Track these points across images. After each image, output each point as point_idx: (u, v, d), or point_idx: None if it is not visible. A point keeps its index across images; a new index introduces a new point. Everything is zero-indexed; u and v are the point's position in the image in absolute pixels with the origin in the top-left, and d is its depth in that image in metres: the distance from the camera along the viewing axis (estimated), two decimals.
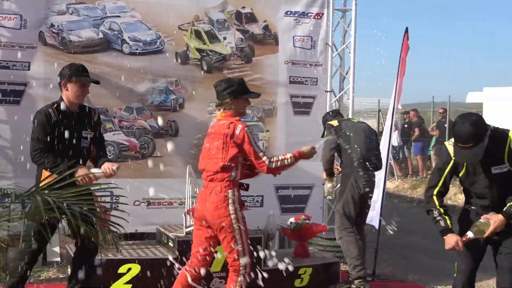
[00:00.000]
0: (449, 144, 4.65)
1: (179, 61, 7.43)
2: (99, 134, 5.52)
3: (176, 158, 7.31)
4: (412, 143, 18.66)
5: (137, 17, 7.30)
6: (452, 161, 4.60)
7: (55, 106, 5.21)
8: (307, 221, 6.96)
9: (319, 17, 8.14)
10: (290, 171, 7.67)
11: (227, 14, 7.72)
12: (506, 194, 4.55)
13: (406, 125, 19.05)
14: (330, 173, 6.74)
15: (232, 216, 5.02)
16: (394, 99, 7.96)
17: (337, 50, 8.51)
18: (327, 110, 8.13)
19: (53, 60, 6.85)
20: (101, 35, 7.14)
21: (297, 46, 8.01)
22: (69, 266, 6.48)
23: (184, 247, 6.14)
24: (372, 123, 21.67)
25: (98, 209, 4.81)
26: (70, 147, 5.18)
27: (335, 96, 8.50)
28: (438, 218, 4.64)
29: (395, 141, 17.80)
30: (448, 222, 4.61)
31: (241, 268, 5.10)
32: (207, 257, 5.22)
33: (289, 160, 5.09)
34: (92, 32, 7.12)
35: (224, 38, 7.69)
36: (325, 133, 6.80)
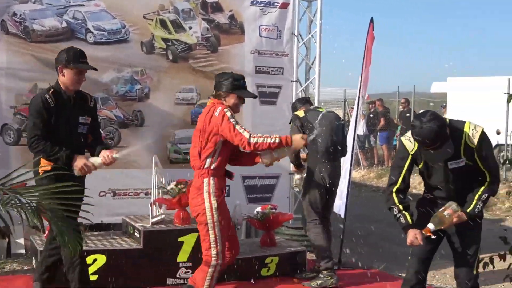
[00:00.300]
0: (405, 139, 4.58)
1: (144, 50, 7.39)
2: (95, 120, 5.39)
3: (142, 148, 7.26)
4: (378, 133, 18.82)
5: (101, 6, 7.23)
6: (410, 156, 4.55)
7: (51, 92, 5.05)
8: (273, 210, 6.98)
9: (285, 7, 8.16)
10: None
11: (192, 4, 7.69)
12: (463, 187, 4.53)
13: (371, 115, 19.19)
14: (298, 165, 6.73)
15: (206, 205, 5.05)
16: (360, 88, 8.02)
17: (303, 40, 8.55)
18: (293, 100, 8.17)
19: (16, 49, 6.77)
20: (64, 24, 7.05)
21: (263, 36, 8.02)
22: (33, 258, 6.45)
23: (150, 237, 6.13)
24: (338, 113, 21.77)
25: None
26: (68, 133, 5.06)
27: (301, 86, 8.54)
28: (398, 215, 4.61)
29: (361, 130, 17.96)
30: (408, 218, 4.58)
31: (212, 259, 5.11)
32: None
33: (272, 139, 5.00)
34: (55, 21, 7.03)
35: (190, 28, 7.66)
36: (291, 124, 6.76)
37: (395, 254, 8.42)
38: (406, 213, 4.59)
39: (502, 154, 15.88)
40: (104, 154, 5.08)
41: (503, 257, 5.87)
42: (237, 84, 5.23)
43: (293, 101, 8.13)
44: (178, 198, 6.33)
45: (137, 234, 6.30)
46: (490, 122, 16.07)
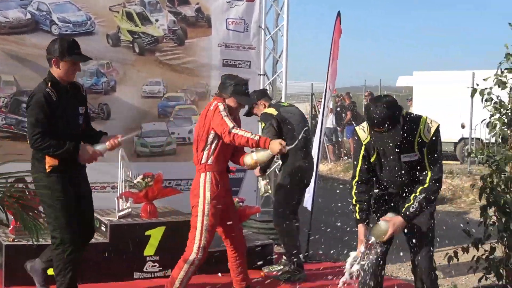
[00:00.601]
0: (359, 129, 4.52)
1: (110, 43, 7.33)
2: (87, 109, 5.31)
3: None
4: (345, 127, 18.94)
5: None
6: (363, 147, 4.48)
7: (50, 85, 4.89)
8: (241, 204, 6.97)
9: (252, 0, 8.16)
10: None
11: None
12: (413, 183, 4.47)
13: (338, 109, 19.31)
14: (265, 169, 6.70)
15: (200, 198, 5.15)
16: (327, 82, 8.06)
17: (270, 34, 8.56)
18: None
19: None
20: (29, 16, 6.95)
21: (230, 29, 8.01)
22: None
23: (117, 231, 6.09)
24: (306, 107, 21.89)
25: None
26: (68, 125, 4.95)
27: (268, 79, 8.55)
28: (352, 209, 4.62)
29: (330, 123, 18.06)
30: (357, 212, 4.55)
31: (193, 252, 5.15)
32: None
33: (252, 135, 4.95)
34: (19, 13, 6.92)
35: (156, 20, 7.62)
36: (263, 124, 6.49)
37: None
38: (356, 207, 4.56)
39: (466, 147, 16.11)
40: (110, 139, 5.06)
41: (466, 250, 5.98)
42: (239, 90, 5.24)
43: None
44: (145, 191, 6.30)
45: (103, 228, 6.25)
46: (455, 116, 16.34)
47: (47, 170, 4.86)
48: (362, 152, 4.49)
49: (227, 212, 5.41)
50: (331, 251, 8.32)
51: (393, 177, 4.48)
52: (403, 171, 4.40)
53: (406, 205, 4.37)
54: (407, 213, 4.35)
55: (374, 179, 4.61)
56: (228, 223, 5.44)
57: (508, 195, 5.36)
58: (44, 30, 7.00)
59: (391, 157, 4.38)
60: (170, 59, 7.65)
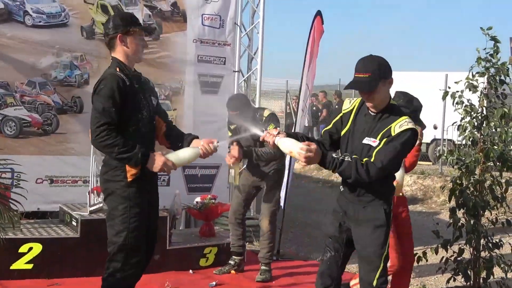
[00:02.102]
0: (348, 99, 4.39)
1: (84, 35, 7.29)
2: (158, 102, 4.55)
3: (81, 135, 7.19)
4: (320, 125, 19.04)
5: None
6: (341, 113, 4.31)
7: (119, 70, 4.19)
8: (213, 200, 7.03)
9: None
10: None
11: None
12: None
13: (314, 107, 19.41)
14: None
15: None
16: (301, 80, 8.12)
17: (245, 30, 8.59)
18: (235, 90, 8.23)
19: None
20: (1, 5, 6.88)
21: (205, 25, 8.02)
22: None
23: (87, 226, 6.09)
24: (281, 104, 21.97)
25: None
26: (142, 122, 4.23)
27: (243, 76, 8.59)
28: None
29: (307, 122, 18.15)
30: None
31: None
32: None
33: None
34: None
35: None
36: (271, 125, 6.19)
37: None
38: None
39: (438, 148, 16.30)
40: (203, 143, 4.33)
41: (435, 251, 6.09)
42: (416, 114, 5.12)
43: (235, 90, 8.19)
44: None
45: (74, 223, 6.25)
46: (427, 117, 16.40)
47: (129, 180, 4.19)
48: (337, 118, 4.34)
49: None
50: (303, 249, 8.43)
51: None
52: (362, 156, 4.12)
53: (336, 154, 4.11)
54: (328, 152, 4.08)
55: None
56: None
57: (477, 198, 5.46)
58: (17, 21, 6.94)
59: (358, 136, 4.20)
60: (144, 54, 7.55)
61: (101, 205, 6.48)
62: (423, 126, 5.35)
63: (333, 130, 4.33)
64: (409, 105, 4.95)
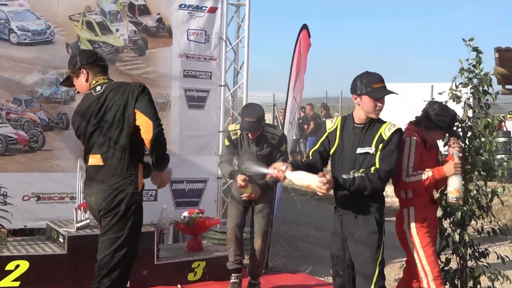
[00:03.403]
0: (329, 120, 4.74)
1: (70, 52, 7.27)
2: None
3: (67, 151, 7.18)
4: (308, 137, 19.08)
5: (25, 6, 7.10)
6: (326, 133, 4.65)
7: None
8: (201, 215, 7.02)
9: (213, 11, 8.20)
10: (184, 165, 7.78)
11: (119, 6, 7.64)
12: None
13: (300, 120, 19.46)
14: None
15: (407, 236, 5.09)
16: (288, 93, 8.15)
17: (231, 45, 8.62)
18: (221, 104, 8.25)
19: None
20: None
21: (191, 40, 8.04)
22: None
23: (74, 243, 6.07)
24: (268, 118, 22.00)
25: None
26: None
27: (229, 90, 8.61)
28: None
29: (295, 135, 18.19)
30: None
31: None
32: None
33: (424, 175, 4.85)
34: None
35: (117, 30, 7.62)
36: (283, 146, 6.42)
37: (322, 257, 8.59)
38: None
39: None
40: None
41: None
42: (451, 123, 5.19)
43: (221, 104, 8.21)
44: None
45: (61, 239, 6.23)
46: None
47: (139, 190, 4.52)
48: (323, 138, 4.67)
49: None
50: (291, 262, 8.43)
51: (348, 170, 4.47)
52: (355, 166, 4.46)
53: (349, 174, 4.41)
54: (338, 175, 4.40)
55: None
56: None
57: (464, 207, 5.48)
58: (2, 39, 6.93)
59: (350, 149, 4.52)
60: (130, 69, 7.65)
61: (88, 221, 6.46)
62: (457, 136, 5.24)
63: (321, 149, 4.66)
64: (446, 113, 5.03)
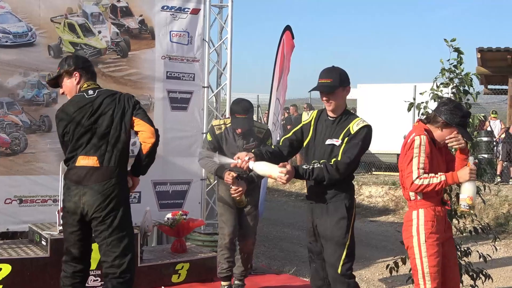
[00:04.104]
0: (305, 112, 4.96)
1: (52, 54, 7.26)
2: None
3: (50, 154, 7.15)
4: None
5: (6, 8, 7.05)
6: (301, 124, 4.86)
7: None
8: (184, 216, 7.00)
9: (195, 13, 8.19)
10: (168, 166, 7.76)
11: (101, 8, 7.62)
12: None
13: (284, 121, 19.47)
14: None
15: (413, 240, 4.69)
16: (271, 94, 8.17)
17: (214, 46, 8.61)
18: (205, 106, 8.24)
19: None
20: None
21: (174, 41, 8.03)
22: None
23: (57, 245, 6.03)
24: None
25: None
26: None
27: (213, 92, 8.61)
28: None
29: (279, 136, 18.22)
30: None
31: None
32: None
33: (437, 179, 4.54)
34: None
35: (99, 32, 7.59)
36: (269, 140, 6.37)
37: (306, 257, 8.60)
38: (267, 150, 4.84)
39: None
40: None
41: (403, 261, 6.15)
42: (463, 121, 4.66)
43: (205, 106, 8.20)
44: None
45: (43, 242, 6.19)
46: (397, 127, 16.65)
47: (128, 192, 4.81)
48: (297, 128, 4.87)
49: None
50: (276, 262, 8.44)
51: (316, 161, 4.68)
52: (324, 156, 4.64)
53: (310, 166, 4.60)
54: (299, 166, 4.61)
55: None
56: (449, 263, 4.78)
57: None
58: None
59: (321, 140, 4.71)
60: (113, 71, 7.63)
61: None
62: (468, 137, 4.66)
63: (293, 137, 4.87)
64: (457, 110, 4.64)
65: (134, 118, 4.65)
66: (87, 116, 4.63)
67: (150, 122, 4.67)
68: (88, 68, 4.89)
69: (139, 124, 4.64)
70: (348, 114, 4.73)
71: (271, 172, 4.51)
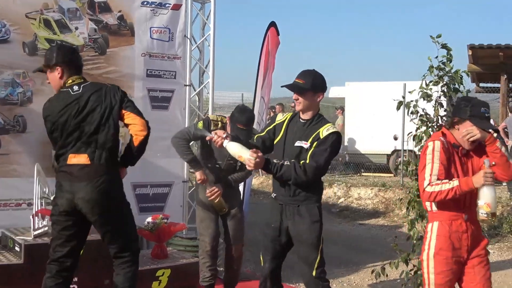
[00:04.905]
0: (279, 114, 5.23)
1: (26, 51, 7.20)
2: None
3: (24, 156, 7.08)
4: None
5: None
6: (274, 124, 5.12)
7: None
8: (165, 220, 6.95)
9: (177, 8, 8.16)
10: (148, 168, 7.70)
11: (79, 3, 7.56)
12: None
13: (270, 120, 19.43)
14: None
15: (423, 254, 4.54)
16: (255, 93, 8.14)
17: (196, 43, 8.58)
18: (187, 105, 8.20)
19: None
20: None
21: (154, 38, 7.99)
22: None
23: (32, 252, 5.97)
24: None
25: None
26: None
27: (195, 90, 8.57)
28: None
29: None
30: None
31: None
32: None
33: (449, 185, 4.24)
34: None
35: (76, 28, 7.53)
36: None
37: (293, 263, 8.56)
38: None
39: (399, 159, 16.47)
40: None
41: (395, 265, 6.14)
42: (476, 111, 4.37)
43: (186, 105, 8.16)
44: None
45: (17, 248, 6.13)
46: (387, 127, 16.70)
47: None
48: (270, 127, 5.14)
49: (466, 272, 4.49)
50: (260, 269, 8.38)
51: (282, 159, 4.93)
52: (294, 157, 4.85)
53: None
54: (270, 159, 4.84)
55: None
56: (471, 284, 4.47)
57: None
58: None
59: (291, 141, 4.93)
60: (91, 69, 7.56)
61: (46, 228, 6.36)
62: (486, 126, 4.38)
63: (265, 136, 5.11)
64: (465, 103, 4.42)
65: (123, 111, 4.87)
66: (74, 114, 4.80)
67: (140, 114, 4.90)
68: (71, 62, 4.99)
69: (129, 117, 4.87)
70: (320, 119, 4.95)
71: (242, 153, 4.72)
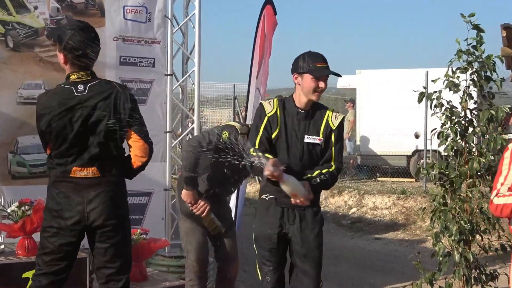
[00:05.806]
0: (266, 102, 5.27)
1: None
2: None
3: None
4: None
5: None
6: (266, 118, 5.16)
7: None
8: (144, 236, 6.97)
9: None
10: None
11: None
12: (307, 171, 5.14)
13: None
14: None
15: None
16: (249, 83, 8.17)
17: (178, 25, 8.59)
18: (168, 97, 8.21)
19: None
20: None
21: (128, 19, 7.99)
22: None
23: None
24: (228, 113, 21.97)
25: None
26: None
27: (178, 81, 8.58)
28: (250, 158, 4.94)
29: None
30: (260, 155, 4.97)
31: None
32: None
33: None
34: None
35: (35, 8, 7.55)
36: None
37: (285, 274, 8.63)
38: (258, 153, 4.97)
39: (421, 161, 16.46)
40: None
41: (419, 287, 6.18)
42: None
43: (168, 97, 8.18)
44: (22, 222, 6.24)
45: None
46: (407, 123, 16.71)
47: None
48: (264, 122, 5.16)
49: None
50: (254, 280, 8.45)
51: (290, 159, 5.08)
52: (302, 155, 5.09)
53: (309, 175, 5.04)
54: (312, 181, 5.02)
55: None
56: None
57: (463, 220, 5.52)
58: None
59: (295, 136, 5.07)
60: (52, 56, 7.52)
61: (2, 246, 6.40)
62: None
63: (266, 134, 5.16)
64: None
65: (129, 130, 5.03)
66: (78, 118, 4.87)
67: (145, 136, 5.10)
68: (80, 57, 4.95)
69: (132, 139, 5.06)
70: (315, 105, 5.16)
71: (298, 191, 4.89)
